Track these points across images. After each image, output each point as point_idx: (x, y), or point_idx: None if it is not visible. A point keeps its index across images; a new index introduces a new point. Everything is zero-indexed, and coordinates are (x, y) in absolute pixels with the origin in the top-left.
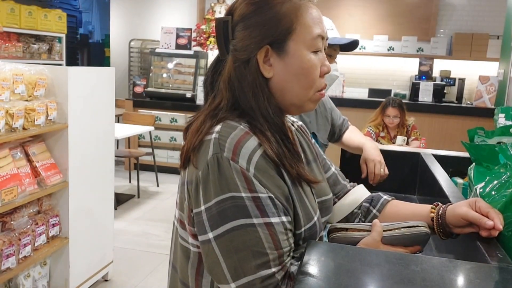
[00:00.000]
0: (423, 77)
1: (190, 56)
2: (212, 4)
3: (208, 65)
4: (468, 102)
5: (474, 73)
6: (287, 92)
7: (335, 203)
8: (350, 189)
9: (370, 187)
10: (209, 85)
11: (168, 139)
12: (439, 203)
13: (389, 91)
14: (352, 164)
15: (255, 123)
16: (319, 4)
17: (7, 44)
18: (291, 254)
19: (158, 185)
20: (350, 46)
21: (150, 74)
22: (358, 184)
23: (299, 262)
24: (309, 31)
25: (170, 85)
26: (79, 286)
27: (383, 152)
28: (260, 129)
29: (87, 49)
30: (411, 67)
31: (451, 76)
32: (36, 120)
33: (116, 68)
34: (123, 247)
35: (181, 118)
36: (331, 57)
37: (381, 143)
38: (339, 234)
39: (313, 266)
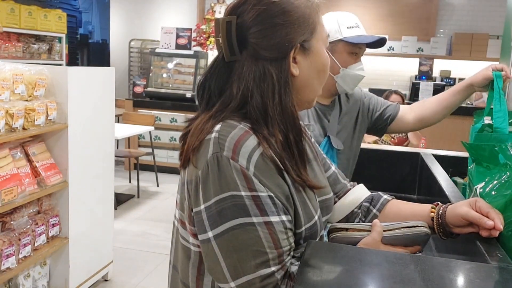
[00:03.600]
0: (423, 77)
1: (190, 56)
2: (212, 4)
3: (208, 65)
4: (468, 102)
5: (474, 73)
6: (307, 88)
7: (335, 202)
8: (350, 189)
9: (369, 187)
10: (216, 89)
11: (168, 139)
12: (439, 202)
13: None
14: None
15: (260, 127)
16: (319, 4)
17: (7, 44)
18: (291, 253)
19: (158, 185)
20: (377, 44)
21: (150, 74)
22: (358, 183)
23: (299, 262)
24: (324, 30)
25: (170, 85)
26: (79, 286)
27: (383, 152)
28: (262, 131)
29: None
30: (411, 67)
31: (451, 76)
32: (36, 120)
33: (116, 68)
34: (123, 247)
35: (181, 118)
36: (356, 56)
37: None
38: (339, 234)
39: (313, 266)
